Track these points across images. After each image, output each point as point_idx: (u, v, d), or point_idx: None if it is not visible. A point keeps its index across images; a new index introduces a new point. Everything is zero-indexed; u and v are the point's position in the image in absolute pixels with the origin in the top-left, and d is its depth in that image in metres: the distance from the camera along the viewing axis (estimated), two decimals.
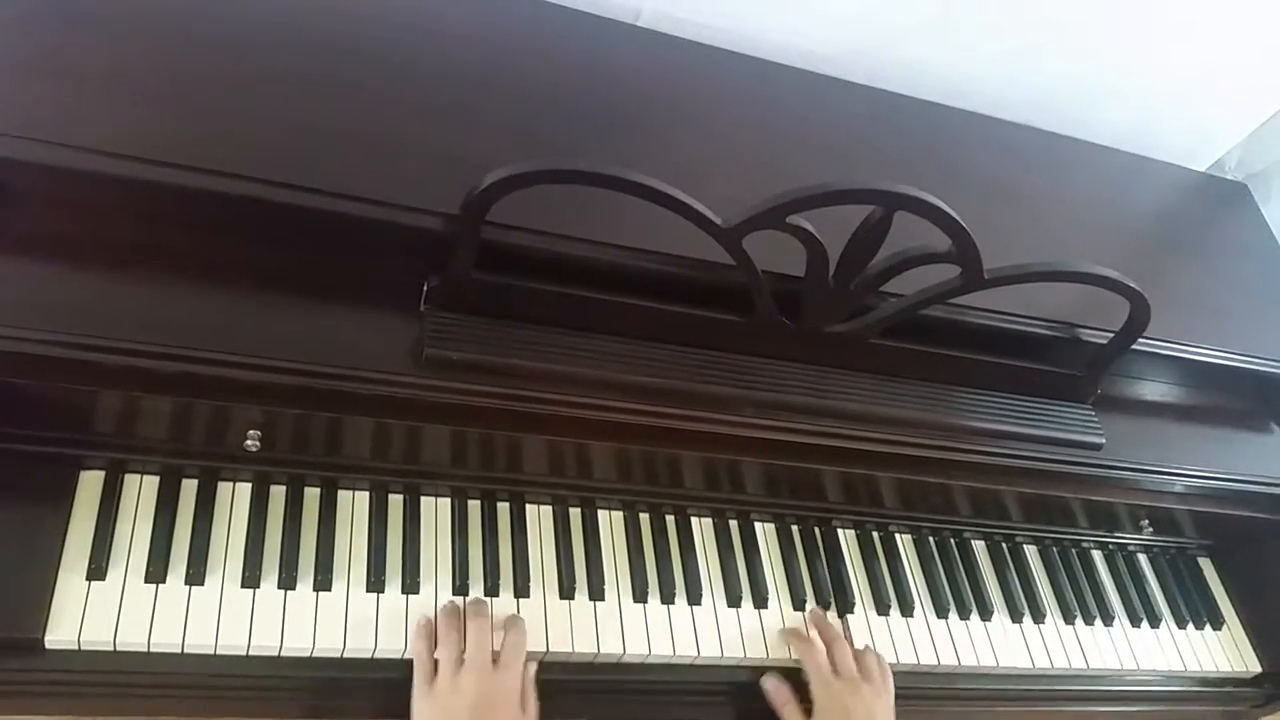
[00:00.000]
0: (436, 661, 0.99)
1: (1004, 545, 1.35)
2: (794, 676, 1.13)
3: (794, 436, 1.07)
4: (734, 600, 1.16)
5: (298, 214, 0.92)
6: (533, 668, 1.02)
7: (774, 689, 1.12)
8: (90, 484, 0.98)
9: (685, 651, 1.10)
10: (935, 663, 1.21)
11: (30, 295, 0.86)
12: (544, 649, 1.05)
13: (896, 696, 1.13)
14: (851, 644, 1.16)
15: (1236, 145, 1.67)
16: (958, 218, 0.95)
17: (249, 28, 1.06)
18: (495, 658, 0.99)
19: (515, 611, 1.06)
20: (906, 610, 1.24)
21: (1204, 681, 1.38)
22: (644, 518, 1.18)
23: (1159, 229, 1.48)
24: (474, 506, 1.11)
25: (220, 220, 0.93)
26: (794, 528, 1.25)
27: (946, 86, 1.44)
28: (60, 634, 0.90)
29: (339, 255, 0.96)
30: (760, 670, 1.14)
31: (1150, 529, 1.38)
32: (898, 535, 1.30)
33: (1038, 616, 1.30)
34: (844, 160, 1.26)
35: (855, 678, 1.11)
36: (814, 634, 1.16)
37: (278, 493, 1.04)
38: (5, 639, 0.90)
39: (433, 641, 1.00)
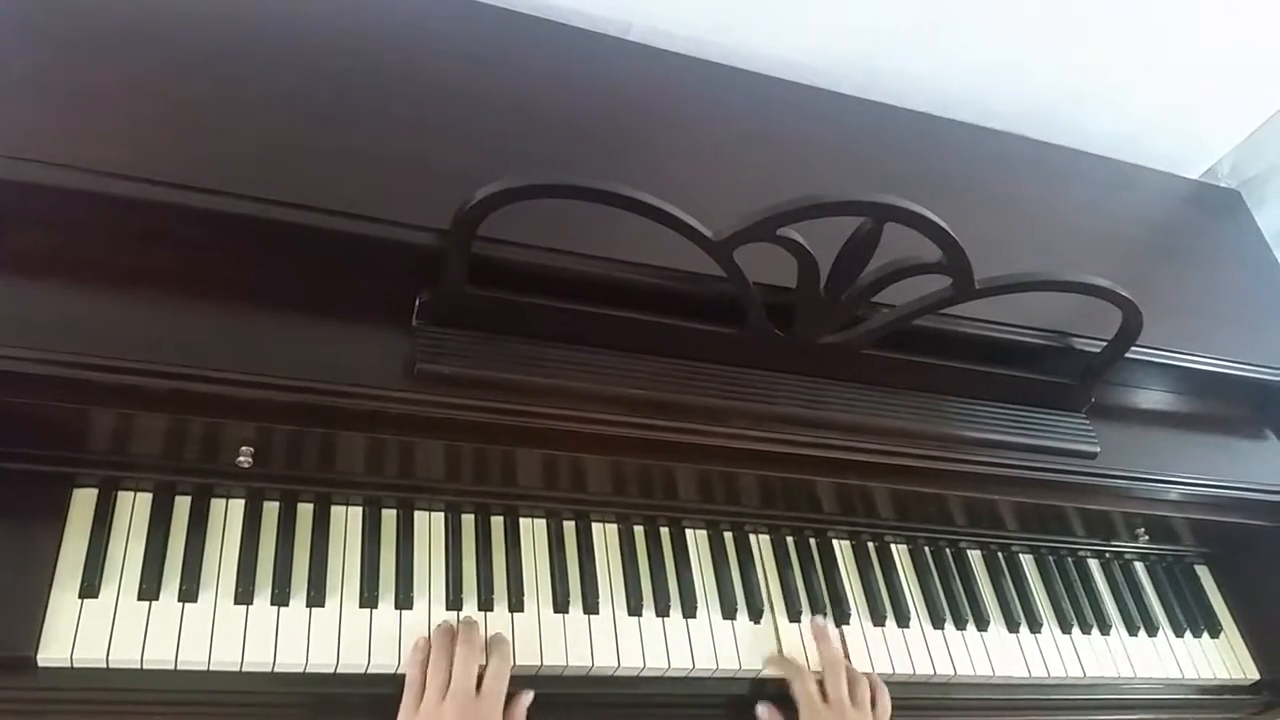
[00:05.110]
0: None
1: (1000, 555, 1.35)
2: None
3: (787, 448, 1.08)
4: (729, 612, 1.16)
5: (290, 231, 0.93)
6: (527, 699, 1.02)
7: (767, 716, 1.12)
8: (83, 501, 0.98)
9: (680, 664, 1.10)
10: (931, 673, 1.21)
11: (23, 314, 0.86)
12: (538, 663, 1.05)
13: (893, 707, 1.13)
14: (849, 664, 1.16)
15: (1229, 152, 1.68)
16: (947, 228, 0.95)
17: (241, 48, 1.06)
18: (480, 683, 0.99)
19: (510, 625, 1.06)
20: (902, 621, 1.24)
21: (1202, 689, 1.38)
22: (638, 530, 1.18)
23: (1152, 237, 1.48)
24: (468, 521, 1.11)
25: (212, 238, 0.93)
26: (789, 539, 1.25)
27: (937, 97, 1.45)
28: (53, 652, 0.90)
29: (331, 271, 0.96)
30: (756, 682, 1.14)
31: (1146, 537, 1.39)
32: (893, 546, 1.30)
33: (1034, 626, 1.30)
34: (835, 171, 1.26)
35: (844, 705, 1.09)
36: (809, 651, 1.15)
37: (271, 509, 1.04)
38: None
39: (426, 661, 0.99)
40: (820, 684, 1.11)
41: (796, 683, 1.11)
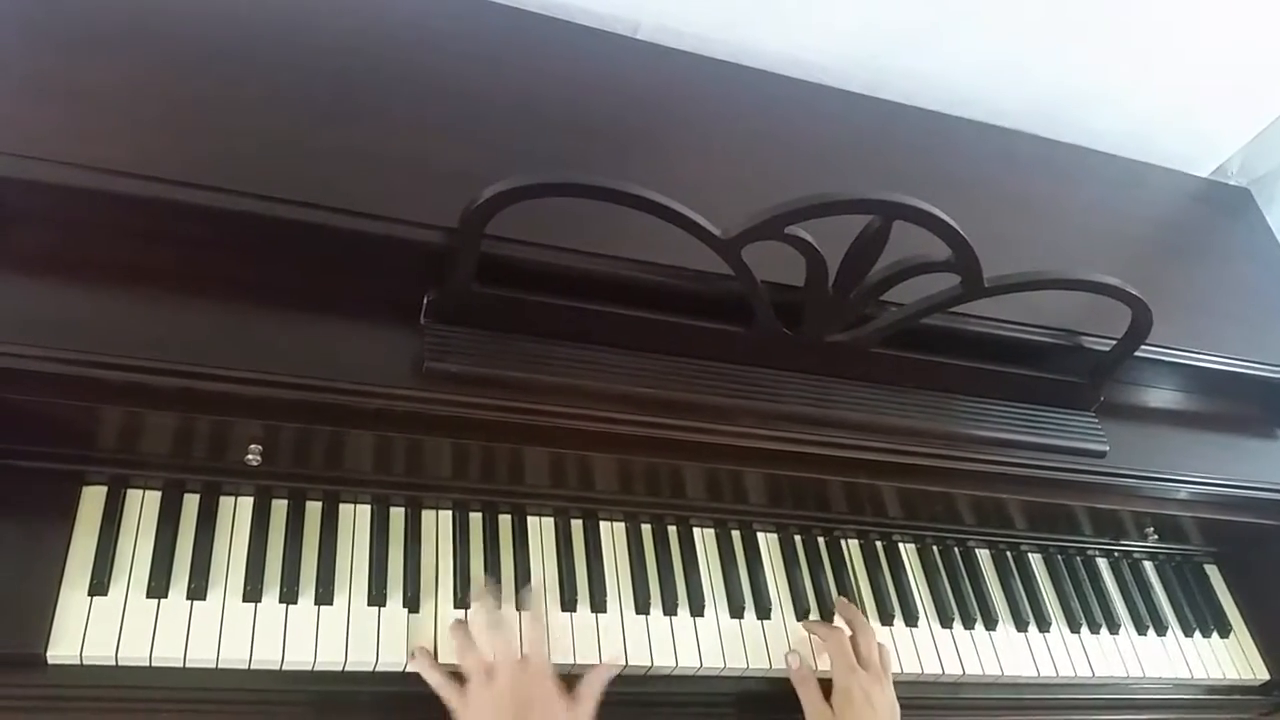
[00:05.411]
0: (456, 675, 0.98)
1: (1009, 554, 1.35)
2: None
3: (795, 446, 1.08)
4: (737, 611, 1.15)
5: (298, 229, 0.92)
6: (605, 675, 1.01)
7: (797, 665, 1.12)
8: (92, 499, 0.98)
9: (688, 663, 1.10)
10: (940, 672, 1.20)
11: (31, 312, 0.86)
12: None
13: (902, 707, 1.13)
14: None
15: (1239, 150, 1.67)
16: (956, 226, 0.94)
17: (244, 46, 1.06)
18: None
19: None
20: (911, 620, 1.23)
21: (1211, 689, 1.37)
22: (646, 529, 1.18)
23: (1161, 235, 1.48)
24: (475, 519, 1.11)
25: (220, 236, 0.93)
26: (797, 538, 1.25)
27: (946, 95, 1.44)
28: (62, 649, 0.90)
29: (339, 270, 0.96)
30: (764, 681, 1.14)
31: (1155, 536, 1.38)
32: (901, 545, 1.30)
33: (1043, 625, 1.29)
34: (843, 169, 1.26)
35: (879, 669, 1.11)
36: (839, 621, 1.17)
37: (279, 507, 1.04)
38: (7, 654, 0.90)
39: (436, 661, 0.99)
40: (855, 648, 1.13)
41: (832, 641, 1.12)
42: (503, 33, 1.22)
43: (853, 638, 1.14)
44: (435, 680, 0.98)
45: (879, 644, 1.15)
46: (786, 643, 1.15)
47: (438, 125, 1.08)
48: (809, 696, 1.09)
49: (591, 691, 0.99)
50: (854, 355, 1.09)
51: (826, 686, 1.10)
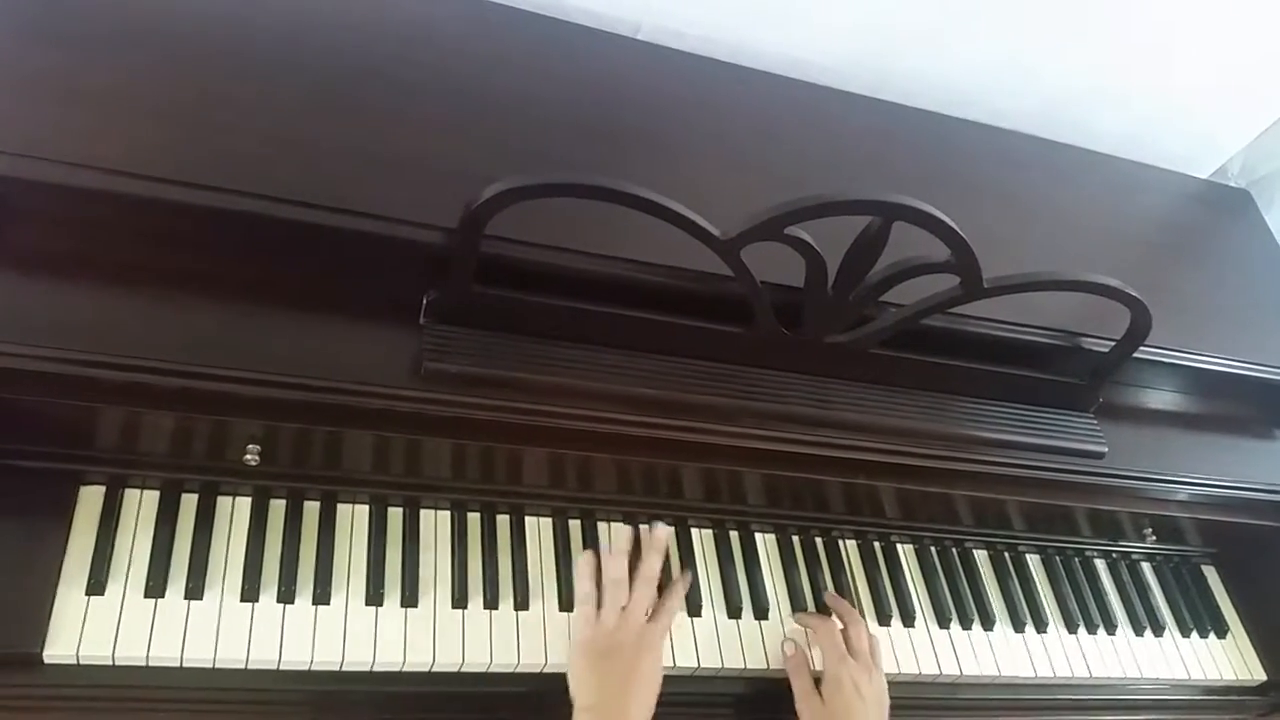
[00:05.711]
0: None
1: (1006, 555, 1.35)
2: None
3: (793, 447, 1.08)
4: (734, 611, 1.16)
5: (297, 229, 0.92)
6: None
7: (792, 652, 1.13)
8: (90, 499, 0.98)
9: (685, 663, 1.10)
10: (937, 672, 1.21)
11: (31, 312, 0.86)
12: (543, 661, 1.05)
13: (899, 707, 1.13)
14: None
15: (1239, 152, 1.67)
16: (955, 227, 0.94)
17: (248, 44, 1.06)
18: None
19: (515, 623, 1.06)
20: (908, 620, 1.24)
21: (1208, 690, 1.37)
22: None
23: (1161, 236, 1.48)
24: (473, 519, 1.11)
25: (219, 236, 0.93)
26: (795, 538, 1.25)
27: (947, 96, 1.44)
28: (59, 648, 0.90)
29: (339, 270, 0.96)
30: (761, 681, 1.14)
31: (1154, 537, 1.38)
32: (899, 545, 1.30)
33: (1040, 626, 1.29)
34: (844, 171, 1.26)
35: (869, 660, 1.12)
36: (832, 615, 1.17)
37: (277, 506, 1.04)
38: (5, 653, 0.90)
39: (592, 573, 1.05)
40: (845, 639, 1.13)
41: (823, 632, 1.13)
42: (503, 32, 1.22)
43: (844, 629, 1.14)
44: (583, 591, 1.04)
45: (870, 635, 1.16)
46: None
47: (438, 125, 1.08)
48: (800, 683, 1.10)
49: None
50: (853, 356, 1.09)
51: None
